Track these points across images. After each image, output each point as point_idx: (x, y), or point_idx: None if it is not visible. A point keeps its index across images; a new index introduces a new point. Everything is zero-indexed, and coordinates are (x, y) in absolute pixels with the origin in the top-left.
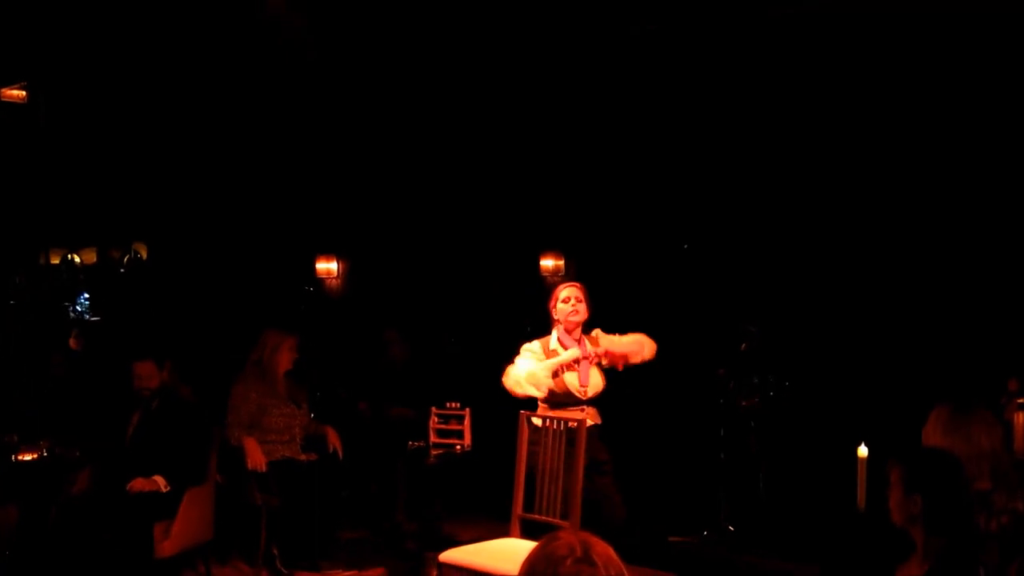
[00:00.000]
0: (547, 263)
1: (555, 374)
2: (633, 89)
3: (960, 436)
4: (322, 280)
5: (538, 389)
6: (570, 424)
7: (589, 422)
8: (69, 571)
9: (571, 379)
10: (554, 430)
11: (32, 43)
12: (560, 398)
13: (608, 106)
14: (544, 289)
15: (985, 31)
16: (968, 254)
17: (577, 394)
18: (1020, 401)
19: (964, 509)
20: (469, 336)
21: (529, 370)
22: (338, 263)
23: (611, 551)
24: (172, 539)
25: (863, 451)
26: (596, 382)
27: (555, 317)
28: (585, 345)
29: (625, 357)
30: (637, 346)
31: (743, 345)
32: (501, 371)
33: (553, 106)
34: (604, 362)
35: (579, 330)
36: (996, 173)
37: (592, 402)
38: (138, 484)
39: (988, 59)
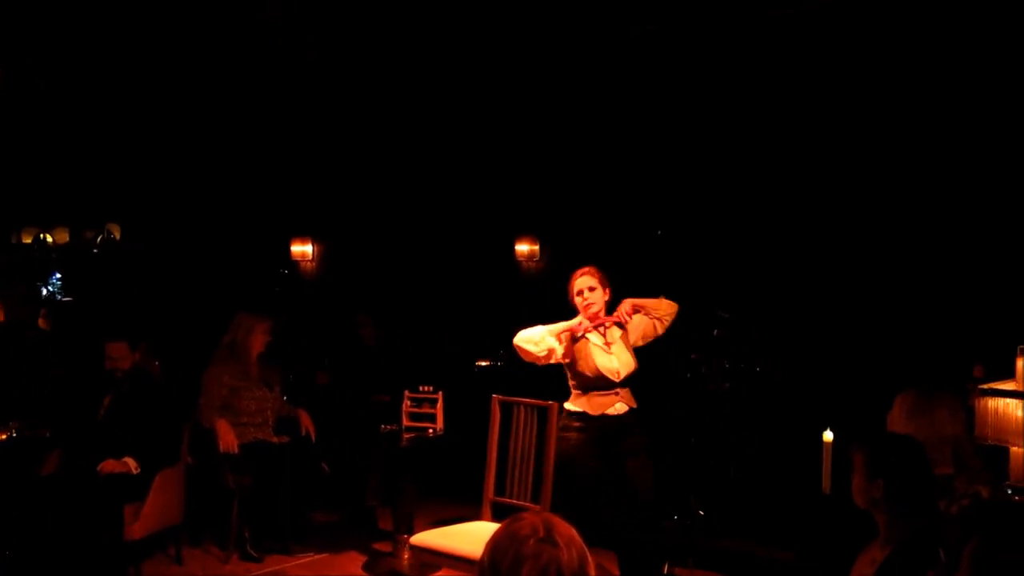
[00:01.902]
0: (522, 247)
1: (575, 355)
2: (608, 78)
3: (924, 421)
4: (297, 263)
5: (535, 345)
6: (543, 407)
7: (622, 407)
8: (37, 553)
9: (603, 361)
10: (526, 413)
11: (15, 23)
12: (592, 382)
13: (584, 94)
14: (520, 274)
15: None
16: (935, 242)
17: (611, 376)
18: (984, 387)
19: (925, 494)
20: (444, 321)
21: (533, 330)
22: (313, 246)
23: (573, 531)
24: (142, 521)
25: (828, 436)
26: (627, 361)
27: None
28: (611, 331)
29: (643, 306)
30: (655, 301)
31: (715, 331)
32: (475, 356)
33: (530, 92)
34: (629, 319)
35: (605, 317)
36: (969, 166)
37: (625, 384)
38: (108, 465)
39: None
